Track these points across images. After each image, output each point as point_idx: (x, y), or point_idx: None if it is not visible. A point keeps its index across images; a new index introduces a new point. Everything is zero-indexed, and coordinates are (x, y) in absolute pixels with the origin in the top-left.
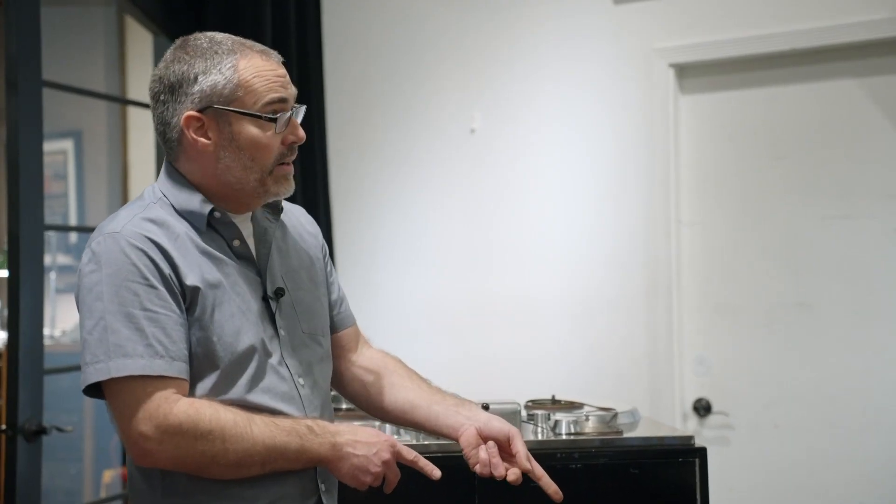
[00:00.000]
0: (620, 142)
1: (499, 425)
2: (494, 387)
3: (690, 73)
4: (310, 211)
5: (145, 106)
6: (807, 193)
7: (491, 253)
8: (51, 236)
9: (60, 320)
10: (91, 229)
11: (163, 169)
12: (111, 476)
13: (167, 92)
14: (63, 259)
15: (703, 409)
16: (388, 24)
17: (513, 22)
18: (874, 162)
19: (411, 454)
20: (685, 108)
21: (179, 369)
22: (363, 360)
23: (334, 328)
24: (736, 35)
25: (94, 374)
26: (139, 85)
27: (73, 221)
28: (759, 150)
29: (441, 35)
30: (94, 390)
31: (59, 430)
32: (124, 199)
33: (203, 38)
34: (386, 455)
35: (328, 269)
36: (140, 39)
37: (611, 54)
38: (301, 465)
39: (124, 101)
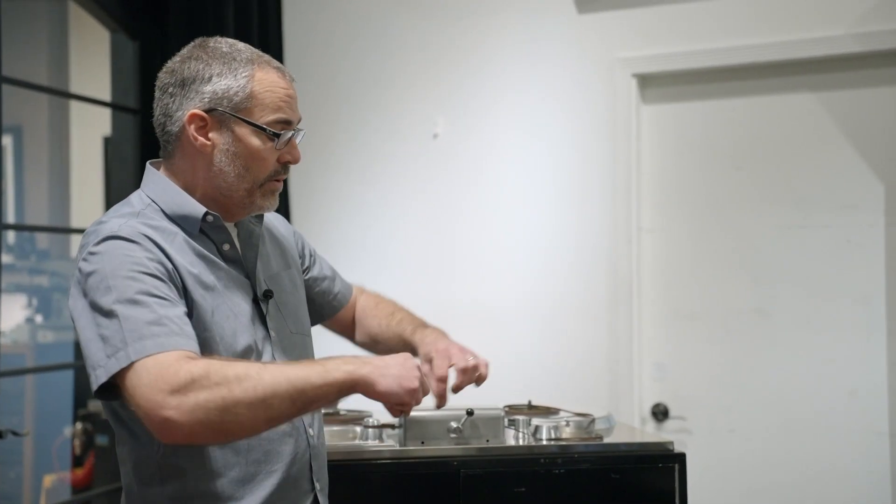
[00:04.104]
0: (583, 149)
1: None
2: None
3: (653, 84)
4: None
5: (96, 102)
6: (765, 203)
7: (453, 259)
8: None
9: None
10: (35, 228)
11: (147, 175)
12: (51, 481)
13: (178, 85)
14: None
15: (661, 413)
16: (350, 27)
17: (476, 28)
18: (830, 173)
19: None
20: (647, 117)
21: (196, 346)
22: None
23: (335, 310)
24: (698, 47)
25: (114, 365)
26: (86, 80)
27: (10, 219)
28: (719, 161)
29: (404, 41)
30: (106, 392)
31: (15, 433)
32: (67, 196)
33: (224, 43)
34: (413, 365)
35: (307, 253)
36: (89, 34)
37: (574, 63)
38: (332, 397)
39: (78, 98)
